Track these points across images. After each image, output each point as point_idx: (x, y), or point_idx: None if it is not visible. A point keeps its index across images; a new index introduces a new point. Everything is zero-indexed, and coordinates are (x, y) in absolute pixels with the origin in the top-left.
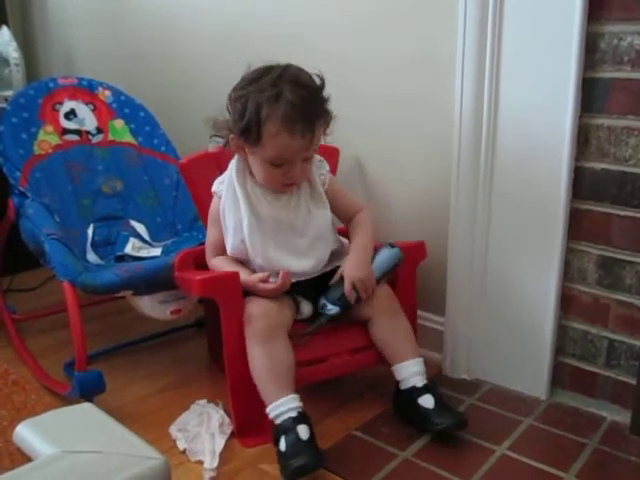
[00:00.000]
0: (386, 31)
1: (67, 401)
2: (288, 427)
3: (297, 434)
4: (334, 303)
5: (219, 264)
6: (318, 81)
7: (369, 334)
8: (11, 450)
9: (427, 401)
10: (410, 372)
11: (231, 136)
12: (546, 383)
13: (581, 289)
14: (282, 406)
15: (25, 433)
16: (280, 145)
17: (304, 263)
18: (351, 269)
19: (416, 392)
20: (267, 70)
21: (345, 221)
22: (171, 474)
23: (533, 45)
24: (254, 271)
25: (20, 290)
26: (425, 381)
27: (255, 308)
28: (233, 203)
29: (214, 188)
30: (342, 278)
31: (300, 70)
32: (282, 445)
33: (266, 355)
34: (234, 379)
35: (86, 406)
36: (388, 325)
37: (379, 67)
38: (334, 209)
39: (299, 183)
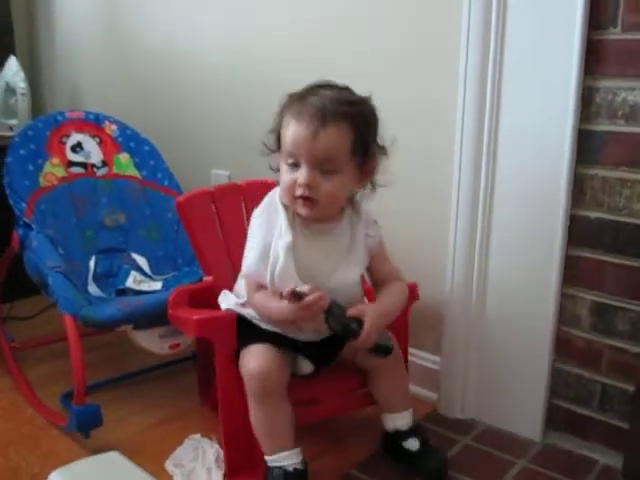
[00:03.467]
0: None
1: (92, 449)
2: (277, 477)
3: None
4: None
5: (260, 302)
6: (358, 96)
7: (361, 374)
8: None
9: (412, 444)
10: (397, 424)
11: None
12: (540, 425)
13: (575, 333)
14: (278, 461)
15: None
16: (288, 135)
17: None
18: (376, 317)
19: (401, 436)
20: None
21: (376, 284)
22: None
23: (531, 96)
24: None
25: (17, 318)
26: (410, 425)
27: (252, 365)
28: (268, 217)
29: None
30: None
31: (346, 87)
32: None
33: (265, 416)
34: (227, 421)
35: (113, 454)
36: (385, 381)
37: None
38: (371, 270)
39: (315, 205)
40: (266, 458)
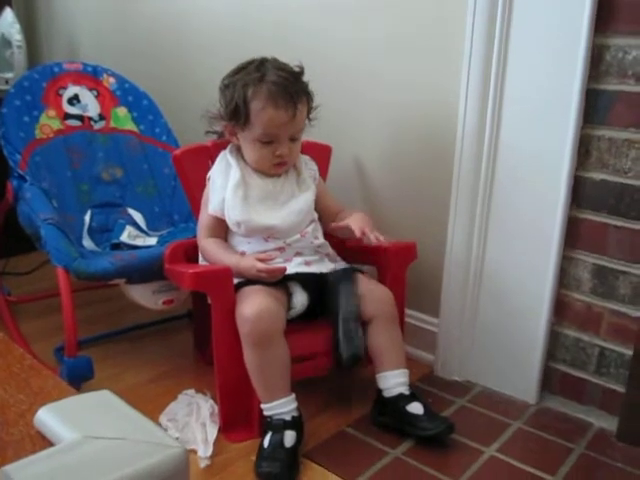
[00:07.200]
0: (391, 21)
1: (83, 388)
2: (277, 427)
3: (282, 439)
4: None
5: (209, 246)
6: (297, 69)
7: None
8: (32, 434)
9: (416, 408)
10: (396, 382)
11: (224, 124)
12: (536, 388)
13: (575, 296)
14: (275, 408)
15: (46, 417)
16: (266, 119)
17: (281, 219)
18: (359, 221)
19: (404, 399)
20: (250, 61)
21: (324, 219)
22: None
23: (539, 53)
24: (243, 254)
25: (15, 273)
26: (409, 388)
27: (248, 309)
28: (224, 168)
29: (209, 174)
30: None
31: (280, 60)
32: (265, 441)
33: (260, 359)
34: (222, 374)
35: (104, 393)
36: (386, 333)
37: (382, 63)
38: (316, 205)
39: (289, 164)
40: (263, 407)
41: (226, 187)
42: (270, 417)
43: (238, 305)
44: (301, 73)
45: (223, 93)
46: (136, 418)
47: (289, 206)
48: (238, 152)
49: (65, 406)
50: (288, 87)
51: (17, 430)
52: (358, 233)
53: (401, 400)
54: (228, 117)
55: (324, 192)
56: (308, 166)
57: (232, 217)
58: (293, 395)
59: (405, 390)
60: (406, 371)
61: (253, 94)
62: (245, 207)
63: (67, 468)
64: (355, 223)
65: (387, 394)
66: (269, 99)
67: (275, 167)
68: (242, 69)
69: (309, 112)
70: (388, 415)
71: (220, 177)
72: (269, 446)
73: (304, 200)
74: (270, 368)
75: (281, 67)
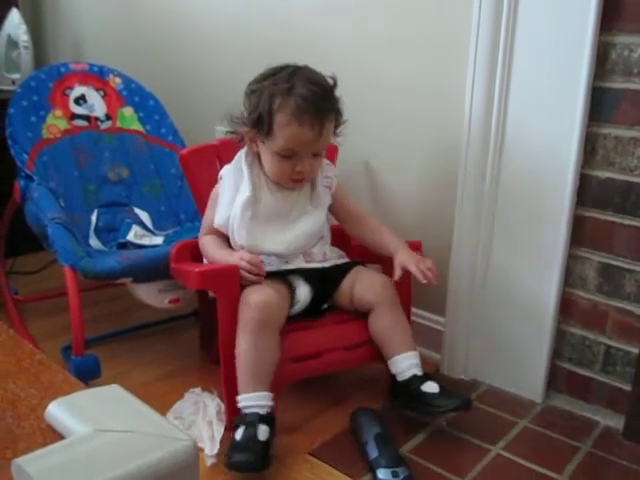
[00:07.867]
0: (392, 21)
1: (90, 386)
2: (251, 421)
3: (256, 432)
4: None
5: (206, 243)
6: (331, 82)
7: (365, 328)
8: (43, 427)
9: (431, 387)
10: (408, 364)
11: (245, 129)
12: (542, 386)
13: (581, 295)
14: (252, 400)
15: (57, 411)
16: (289, 135)
17: (287, 244)
18: (410, 261)
19: (418, 380)
20: (282, 67)
21: (347, 224)
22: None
23: (545, 52)
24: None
25: (22, 273)
26: (423, 370)
27: (254, 297)
28: (236, 179)
29: (222, 172)
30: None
31: (314, 70)
32: (238, 434)
33: (253, 347)
34: (229, 372)
35: (114, 387)
36: (389, 316)
37: (385, 62)
38: (338, 212)
39: (307, 180)
40: (240, 397)
41: (233, 202)
42: (244, 412)
43: (243, 295)
44: (334, 87)
45: (249, 98)
46: (146, 412)
47: (299, 226)
48: (254, 158)
49: (75, 400)
50: (317, 103)
51: (28, 424)
52: (422, 279)
53: (415, 381)
54: (251, 124)
55: (345, 197)
56: (325, 173)
57: (237, 240)
58: (272, 394)
59: (418, 371)
60: (416, 352)
61: (279, 106)
62: (251, 230)
63: (78, 461)
64: (415, 267)
65: (400, 378)
66: (295, 115)
67: (292, 182)
68: (271, 75)
69: (336, 127)
70: (404, 398)
71: (230, 189)
72: (242, 439)
73: (314, 220)
74: (260, 357)
75: (313, 80)
